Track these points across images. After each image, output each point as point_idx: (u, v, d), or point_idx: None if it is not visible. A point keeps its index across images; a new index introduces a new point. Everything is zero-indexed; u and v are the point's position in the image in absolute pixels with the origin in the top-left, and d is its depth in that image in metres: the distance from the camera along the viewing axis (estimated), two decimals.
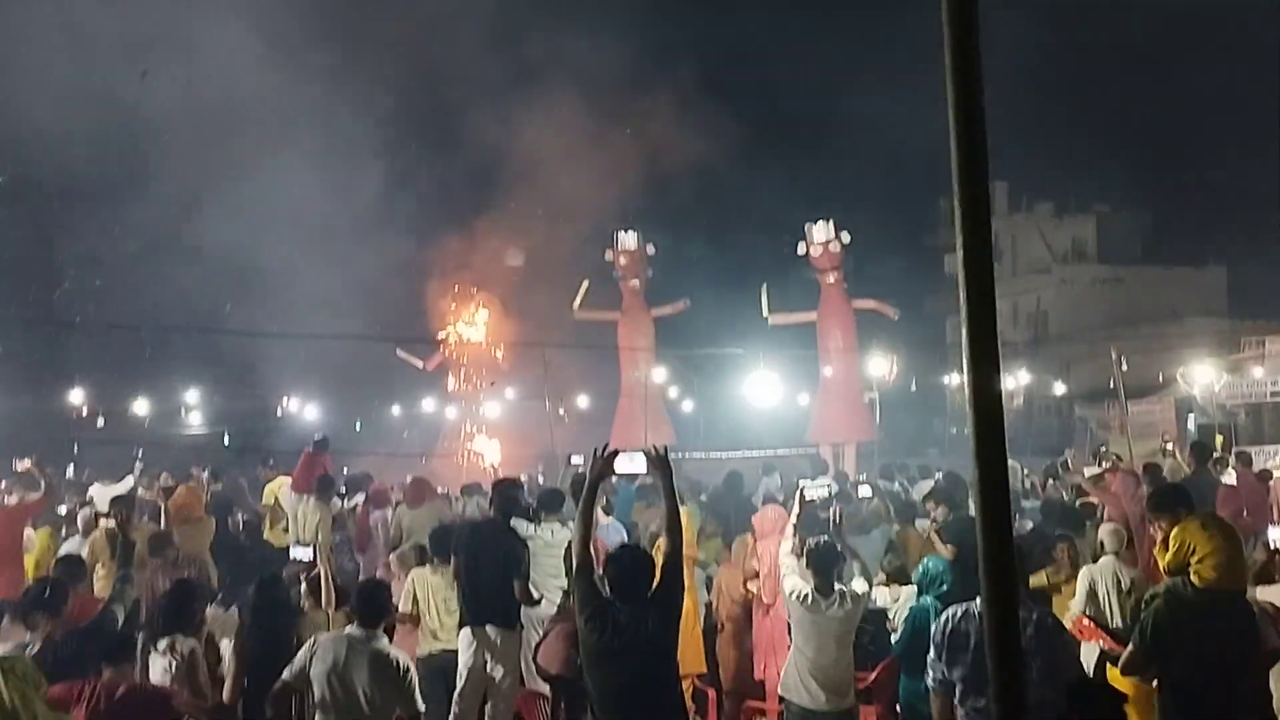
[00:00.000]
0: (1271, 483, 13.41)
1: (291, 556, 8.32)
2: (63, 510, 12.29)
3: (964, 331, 1.76)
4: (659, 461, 5.48)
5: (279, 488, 13.40)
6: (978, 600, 4.77)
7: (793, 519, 6.92)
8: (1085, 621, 6.51)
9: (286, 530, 12.18)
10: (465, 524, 8.60)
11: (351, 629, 5.79)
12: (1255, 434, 27.00)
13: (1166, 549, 5.03)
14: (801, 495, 7.10)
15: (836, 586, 6.38)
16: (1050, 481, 15.14)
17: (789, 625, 6.95)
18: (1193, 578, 4.89)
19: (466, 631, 7.42)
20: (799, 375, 25.47)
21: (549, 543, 8.17)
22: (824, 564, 6.40)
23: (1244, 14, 53.27)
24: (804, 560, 6.45)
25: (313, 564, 7.66)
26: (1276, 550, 7.51)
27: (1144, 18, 58.26)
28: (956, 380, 38.87)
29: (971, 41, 1.78)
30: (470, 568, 7.38)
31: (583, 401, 25.91)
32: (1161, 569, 5.11)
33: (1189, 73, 60.20)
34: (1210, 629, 4.82)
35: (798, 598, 6.35)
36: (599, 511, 8.30)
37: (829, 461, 18.58)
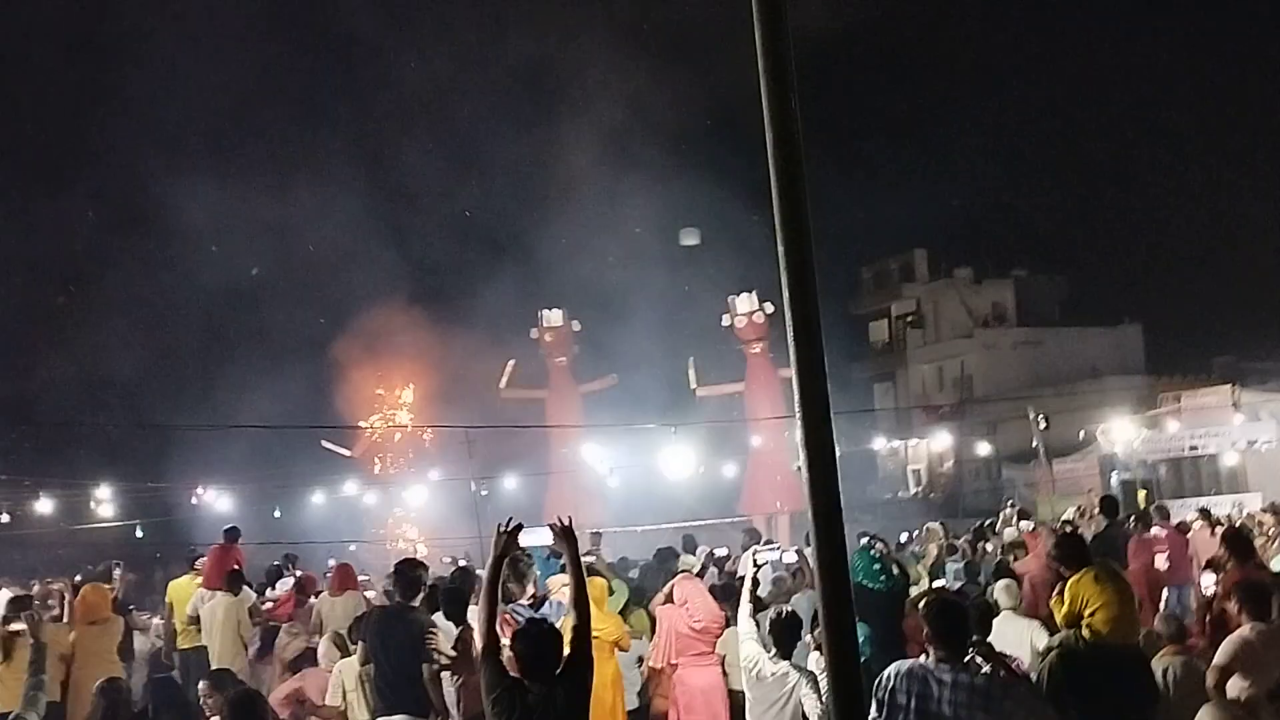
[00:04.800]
0: (1190, 535, 13.64)
1: None
2: None
3: (796, 392, 1.73)
4: (565, 534, 5.37)
5: (182, 587, 12.37)
6: (923, 658, 4.75)
7: (748, 585, 6.87)
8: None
9: (199, 631, 11.67)
10: (373, 609, 8.35)
11: None
12: (1176, 488, 27.52)
13: (1062, 601, 5.03)
14: (754, 562, 7.06)
15: (791, 659, 6.29)
16: (979, 544, 15.23)
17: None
18: (1085, 631, 4.88)
19: None
20: (730, 446, 25.49)
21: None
22: (786, 634, 6.32)
23: (1158, 81, 55.62)
24: (767, 629, 6.38)
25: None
26: (1212, 598, 7.57)
27: (1056, 87, 60.52)
28: (886, 446, 39.24)
29: (795, 153, 1.78)
30: (377, 654, 7.13)
31: (511, 482, 25.65)
32: (1058, 621, 5.09)
33: (1101, 138, 62.56)
34: (1104, 683, 4.80)
35: (750, 666, 6.26)
36: (530, 589, 8.07)
37: (761, 531, 18.51)
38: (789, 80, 1.81)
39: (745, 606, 6.72)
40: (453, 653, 7.09)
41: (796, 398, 1.76)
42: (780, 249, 1.79)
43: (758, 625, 6.60)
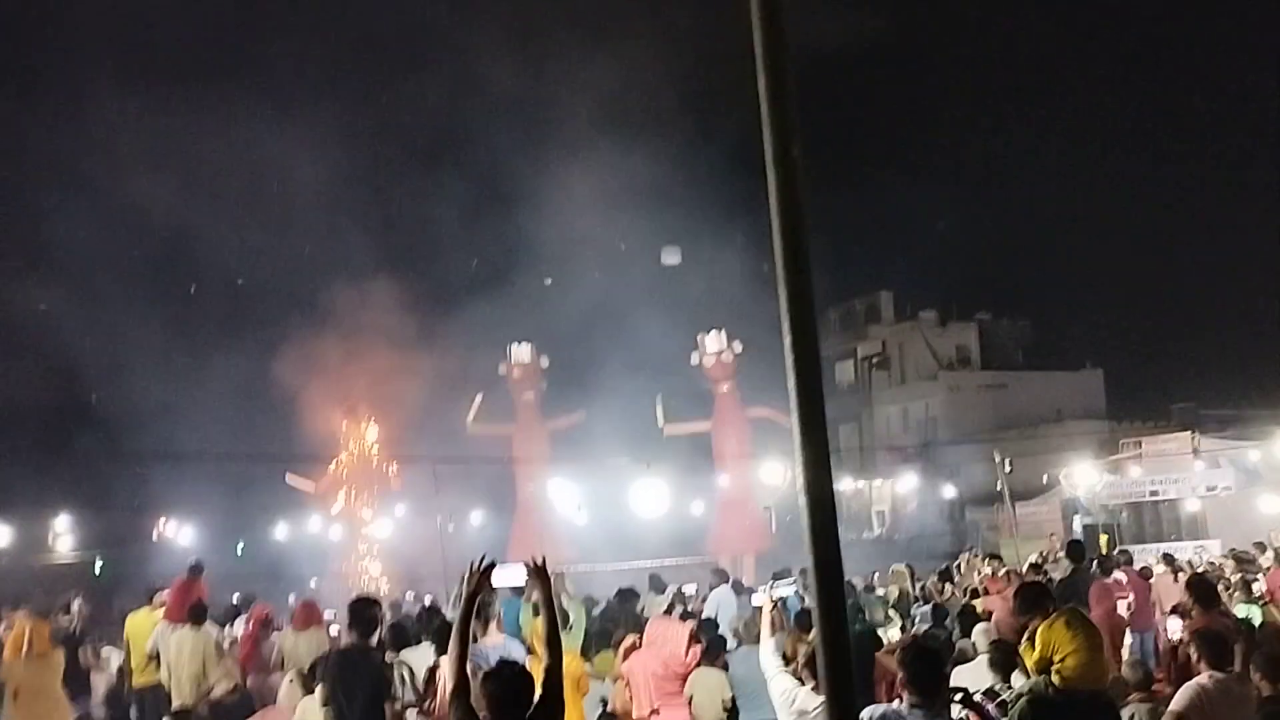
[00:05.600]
0: (1153, 580, 13.75)
1: None
2: None
3: (796, 438, 1.74)
4: (537, 573, 5.34)
5: (141, 622, 12.01)
6: (897, 703, 4.76)
7: (767, 621, 6.83)
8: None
9: (158, 667, 11.44)
10: (332, 650, 8.25)
11: None
12: (1137, 533, 27.76)
13: (1033, 647, 5.08)
14: (771, 596, 7.05)
15: None
16: (945, 586, 15.28)
17: None
18: (1055, 677, 4.91)
19: None
20: (697, 485, 25.47)
21: None
22: None
23: (1121, 128, 56.67)
24: (802, 663, 6.33)
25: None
26: (1179, 642, 7.63)
27: (1019, 133, 61.53)
28: (851, 486, 39.38)
29: (799, 210, 1.81)
30: (338, 696, 7.03)
31: (477, 517, 25.49)
32: (1028, 667, 5.14)
33: (1064, 185, 63.60)
34: None
35: (788, 701, 6.21)
36: (493, 630, 8.00)
37: (728, 571, 18.48)
38: (792, 131, 1.84)
39: (767, 643, 6.66)
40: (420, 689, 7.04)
41: (796, 445, 1.78)
42: (784, 318, 1.82)
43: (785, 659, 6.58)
